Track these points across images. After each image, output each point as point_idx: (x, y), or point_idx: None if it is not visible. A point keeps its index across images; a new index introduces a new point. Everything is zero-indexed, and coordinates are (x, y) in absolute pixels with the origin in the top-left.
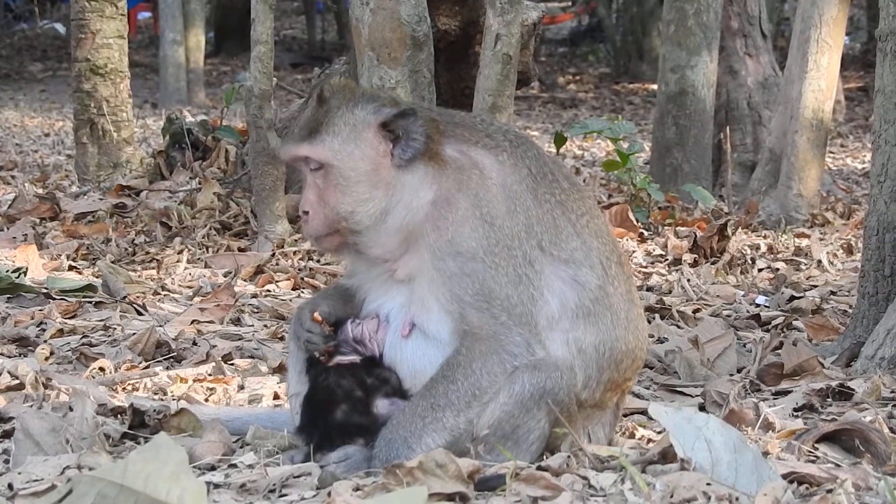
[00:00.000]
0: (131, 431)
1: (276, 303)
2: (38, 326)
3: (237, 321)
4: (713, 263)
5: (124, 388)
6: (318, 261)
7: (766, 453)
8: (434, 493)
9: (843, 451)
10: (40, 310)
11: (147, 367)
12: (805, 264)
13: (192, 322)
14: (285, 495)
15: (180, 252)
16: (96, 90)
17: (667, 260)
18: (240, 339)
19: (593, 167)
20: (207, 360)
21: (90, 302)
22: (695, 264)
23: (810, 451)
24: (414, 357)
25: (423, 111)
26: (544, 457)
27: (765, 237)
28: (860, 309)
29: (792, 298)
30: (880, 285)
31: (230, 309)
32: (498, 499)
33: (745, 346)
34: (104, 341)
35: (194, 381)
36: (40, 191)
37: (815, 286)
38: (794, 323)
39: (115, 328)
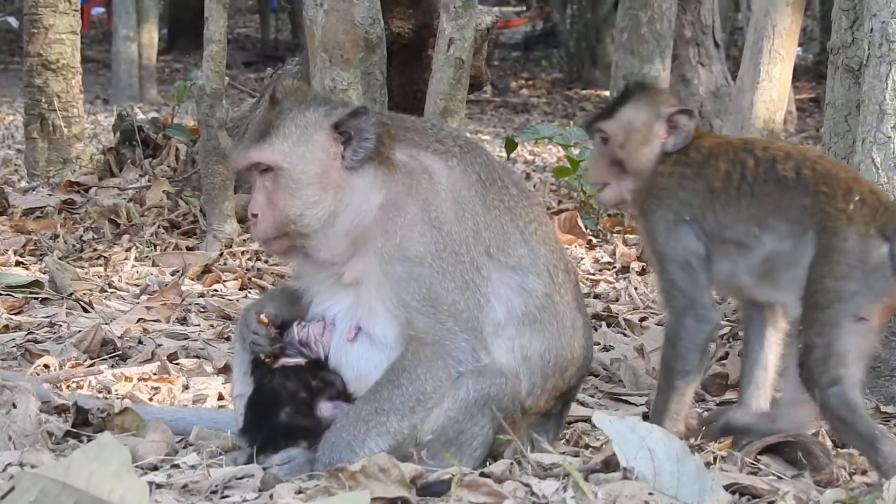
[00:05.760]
0: (74, 429)
1: (223, 303)
2: None
3: (183, 320)
4: None
5: (68, 386)
6: (266, 261)
7: (708, 464)
8: (376, 498)
9: (786, 462)
10: None
11: (92, 365)
12: None
13: (139, 320)
14: (227, 496)
15: (128, 250)
16: (48, 85)
17: (615, 267)
18: (186, 339)
19: (544, 173)
20: (153, 359)
21: (36, 298)
22: (642, 272)
23: (752, 463)
24: (359, 361)
25: (374, 114)
26: (487, 463)
27: None
28: None
29: (738, 308)
30: None
31: (177, 308)
32: None
33: None
34: (49, 338)
35: (139, 379)
36: None
37: None
38: (740, 333)
39: (60, 325)
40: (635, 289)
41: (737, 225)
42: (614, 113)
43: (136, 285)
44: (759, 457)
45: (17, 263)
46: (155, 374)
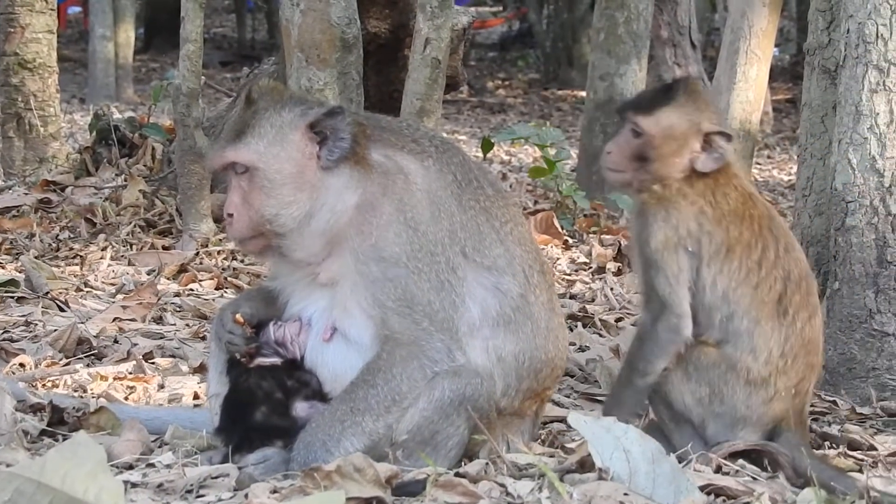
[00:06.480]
0: (50, 428)
1: (199, 302)
2: None
3: (159, 320)
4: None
5: (44, 385)
6: (242, 261)
7: (682, 464)
8: (352, 498)
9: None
10: None
11: (67, 364)
12: None
13: (114, 320)
14: (203, 496)
15: (104, 249)
16: (24, 84)
17: (591, 268)
18: (161, 338)
19: (520, 173)
20: (128, 358)
21: (12, 297)
22: (618, 273)
23: (728, 464)
24: (335, 361)
25: (350, 114)
26: (463, 463)
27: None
28: None
29: None
30: None
31: (152, 307)
32: None
33: None
34: (25, 337)
35: (114, 379)
36: None
37: None
38: None
39: (36, 324)
40: (611, 289)
41: (722, 294)
42: (655, 110)
43: (112, 284)
44: (732, 457)
45: None
46: (130, 373)
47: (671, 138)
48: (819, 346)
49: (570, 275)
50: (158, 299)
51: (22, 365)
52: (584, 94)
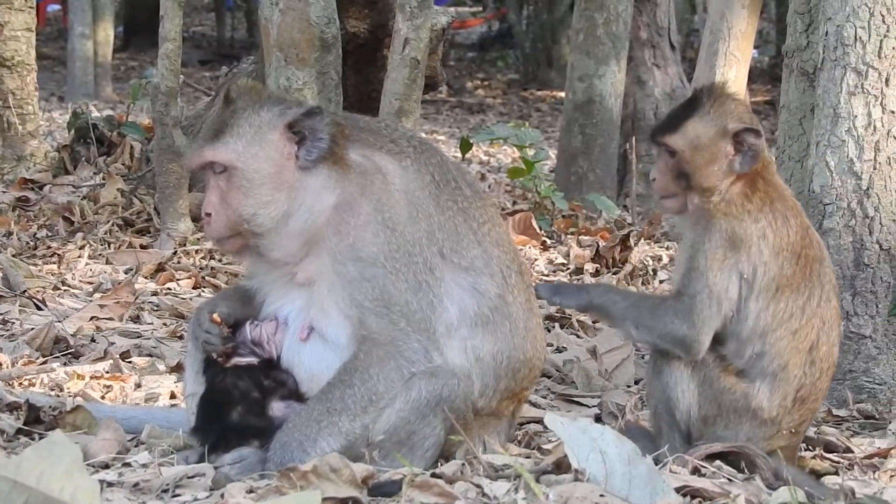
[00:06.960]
0: (26, 427)
1: (177, 301)
2: None
3: (136, 319)
4: (615, 273)
5: (21, 384)
6: (220, 260)
7: (659, 466)
8: (328, 498)
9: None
10: None
11: (44, 363)
12: None
13: (92, 318)
14: (179, 495)
15: (82, 247)
16: (2, 82)
17: (569, 269)
18: (138, 337)
19: (499, 173)
20: (105, 357)
21: None
22: (596, 274)
23: (704, 465)
24: (312, 360)
25: (328, 114)
26: (439, 464)
27: (667, 248)
28: None
29: None
30: None
31: (130, 306)
32: None
33: (643, 357)
34: (2, 335)
35: (91, 378)
36: None
37: None
38: None
39: (13, 322)
40: None
41: (762, 331)
42: (680, 126)
43: (90, 283)
44: (709, 458)
45: None
46: (107, 372)
47: (700, 148)
48: (825, 393)
49: (547, 275)
50: (136, 298)
51: None
52: (563, 94)
